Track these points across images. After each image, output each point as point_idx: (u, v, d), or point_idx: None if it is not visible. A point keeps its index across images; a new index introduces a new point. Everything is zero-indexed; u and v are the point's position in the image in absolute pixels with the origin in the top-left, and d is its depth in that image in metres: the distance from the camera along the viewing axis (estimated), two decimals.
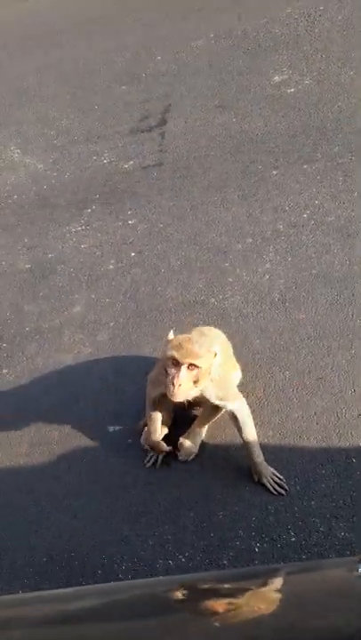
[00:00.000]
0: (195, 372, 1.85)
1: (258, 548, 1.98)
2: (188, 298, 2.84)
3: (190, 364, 1.84)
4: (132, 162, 3.74)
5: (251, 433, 2.07)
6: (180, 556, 2.02)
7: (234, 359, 2.26)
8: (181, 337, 1.92)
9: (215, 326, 2.67)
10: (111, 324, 2.85)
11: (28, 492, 2.33)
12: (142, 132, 3.95)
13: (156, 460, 2.25)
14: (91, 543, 2.12)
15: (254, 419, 2.10)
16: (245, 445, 2.09)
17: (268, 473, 2.09)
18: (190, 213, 3.27)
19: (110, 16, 5.31)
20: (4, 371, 2.80)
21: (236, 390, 2.12)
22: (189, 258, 3.04)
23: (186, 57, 4.46)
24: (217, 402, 2.03)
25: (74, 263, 3.22)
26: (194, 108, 3.97)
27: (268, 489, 2.08)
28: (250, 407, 2.10)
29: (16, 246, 3.43)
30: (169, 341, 1.92)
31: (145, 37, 4.84)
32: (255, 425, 2.10)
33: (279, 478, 2.10)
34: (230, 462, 2.21)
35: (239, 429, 2.07)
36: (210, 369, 1.90)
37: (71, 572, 2.07)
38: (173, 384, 1.83)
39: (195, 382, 1.87)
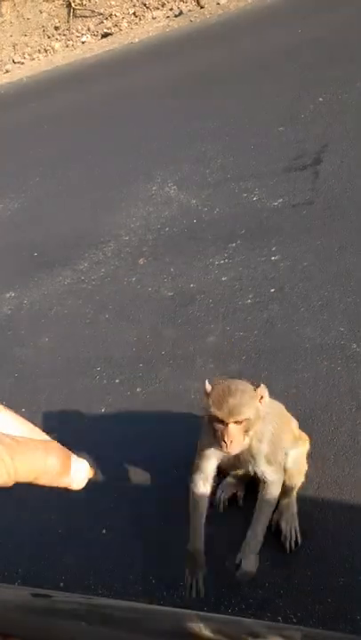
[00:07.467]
0: (243, 423, 1.78)
1: None
2: (326, 340, 2.70)
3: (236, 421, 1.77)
4: (281, 199, 3.75)
5: (268, 513, 1.92)
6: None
7: (295, 432, 2.12)
8: (220, 388, 1.78)
9: (354, 374, 2.50)
10: (243, 357, 2.83)
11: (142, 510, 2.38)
12: (295, 170, 3.95)
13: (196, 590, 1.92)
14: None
15: None
16: (255, 520, 1.92)
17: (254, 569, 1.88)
18: (338, 254, 3.15)
19: (274, 62, 5.49)
20: (138, 389, 2.93)
21: (282, 462, 2.00)
22: (332, 299, 2.90)
23: (349, 98, 4.40)
24: (262, 465, 1.91)
25: (213, 294, 3.29)
26: (351, 149, 3.87)
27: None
28: None
29: (162, 274, 3.64)
30: (207, 395, 1.81)
31: (308, 80, 4.89)
32: None
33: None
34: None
35: (261, 502, 1.93)
36: (259, 413, 1.82)
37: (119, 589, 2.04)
38: (225, 441, 1.76)
39: (246, 432, 1.80)
